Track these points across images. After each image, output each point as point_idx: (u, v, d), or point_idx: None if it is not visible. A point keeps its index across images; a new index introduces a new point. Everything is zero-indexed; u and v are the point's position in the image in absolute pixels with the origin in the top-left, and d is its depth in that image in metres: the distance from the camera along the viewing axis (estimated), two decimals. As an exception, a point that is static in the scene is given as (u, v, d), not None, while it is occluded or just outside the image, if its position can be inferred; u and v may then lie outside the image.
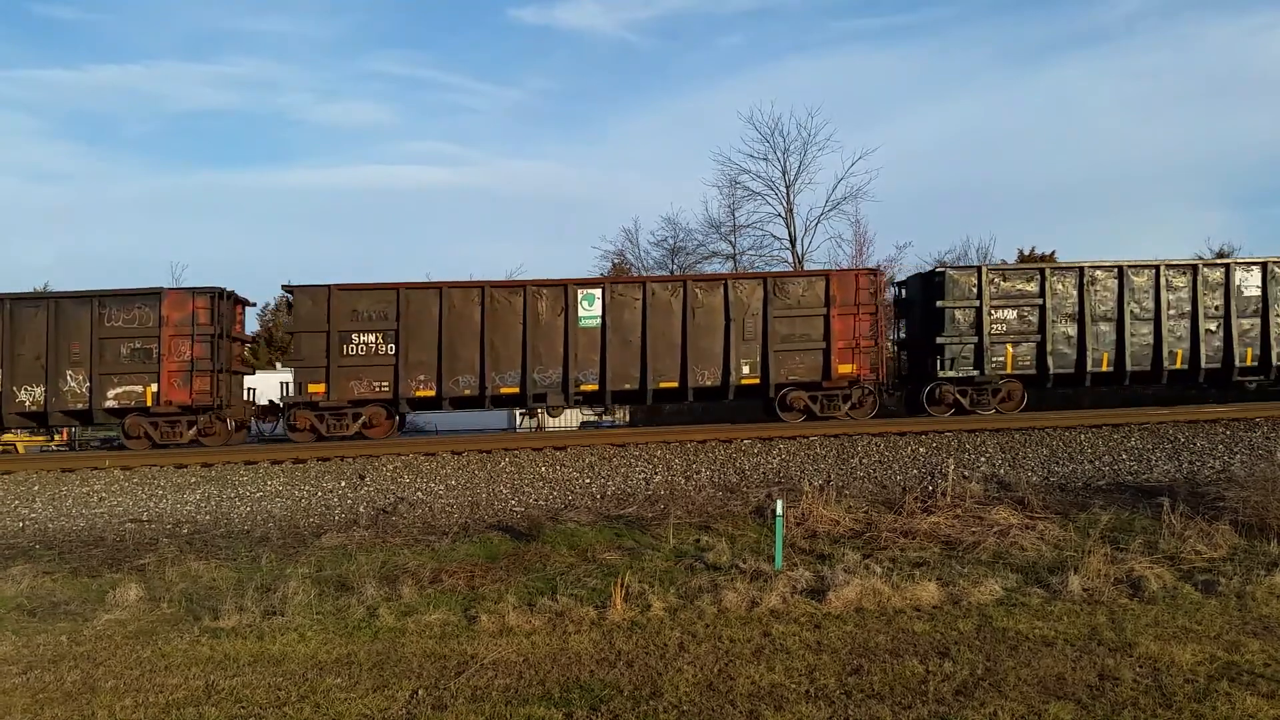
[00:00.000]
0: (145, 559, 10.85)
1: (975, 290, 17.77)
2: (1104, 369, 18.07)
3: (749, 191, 33.51)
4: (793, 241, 33.25)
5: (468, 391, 17.11)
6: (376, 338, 16.89)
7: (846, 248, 34.69)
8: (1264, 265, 18.39)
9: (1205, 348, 18.15)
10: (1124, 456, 14.28)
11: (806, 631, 7.38)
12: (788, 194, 33.35)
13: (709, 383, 17.38)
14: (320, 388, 16.73)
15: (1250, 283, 18.35)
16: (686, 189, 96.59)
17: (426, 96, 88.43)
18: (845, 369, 17.40)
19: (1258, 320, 18.32)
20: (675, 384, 17.35)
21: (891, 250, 36.39)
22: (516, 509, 13.15)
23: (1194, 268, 18.42)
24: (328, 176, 79.97)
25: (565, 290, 17.28)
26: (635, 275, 17.65)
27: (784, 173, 33.35)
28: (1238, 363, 18.19)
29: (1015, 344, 17.90)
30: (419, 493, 13.72)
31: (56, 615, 8.66)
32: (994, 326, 17.81)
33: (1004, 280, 18.03)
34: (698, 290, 17.55)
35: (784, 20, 79.26)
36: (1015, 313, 17.92)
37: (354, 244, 70.80)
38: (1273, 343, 18.25)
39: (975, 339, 17.72)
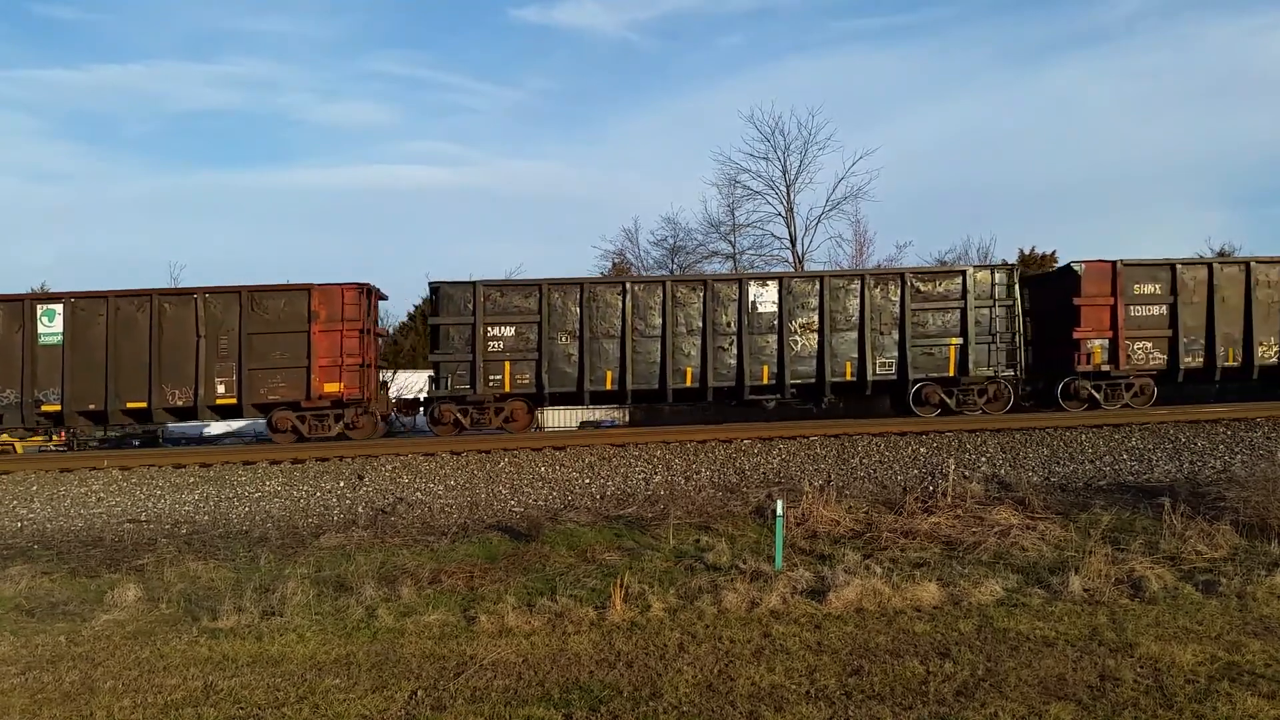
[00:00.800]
0: (143, 559, 10.83)
1: (471, 306, 17.06)
2: (607, 388, 17.37)
3: (749, 191, 33.58)
4: (793, 241, 33.31)
5: None
6: None
7: (847, 247, 34.72)
8: (780, 280, 17.80)
9: (716, 365, 17.43)
10: (1125, 456, 14.26)
11: (807, 632, 7.36)
12: (788, 193, 33.40)
13: (180, 403, 16.85)
14: None
15: (766, 299, 17.53)
16: (686, 189, 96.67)
17: (427, 96, 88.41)
18: (331, 388, 16.86)
19: (774, 337, 17.51)
20: (144, 404, 16.75)
21: (892, 250, 36.32)
22: (516, 509, 13.14)
23: (704, 283, 17.77)
24: (328, 176, 79.89)
25: (24, 306, 16.62)
26: (100, 290, 17.00)
27: (784, 172, 33.41)
28: (749, 381, 17.44)
29: (514, 362, 17.18)
30: (418, 493, 13.70)
31: (55, 615, 8.65)
32: (491, 344, 17.14)
33: (501, 295, 17.29)
34: (167, 306, 16.80)
35: (784, 20, 79.22)
36: (514, 329, 17.21)
37: (354, 244, 70.72)
38: (788, 361, 17.47)
39: (471, 356, 17.02)
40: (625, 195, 69.21)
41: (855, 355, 17.61)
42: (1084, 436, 14.86)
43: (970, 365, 17.57)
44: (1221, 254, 30.52)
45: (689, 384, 17.45)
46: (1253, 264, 18.25)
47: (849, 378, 17.67)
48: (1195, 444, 14.42)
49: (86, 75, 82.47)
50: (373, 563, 10.04)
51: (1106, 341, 17.81)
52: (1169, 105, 76.68)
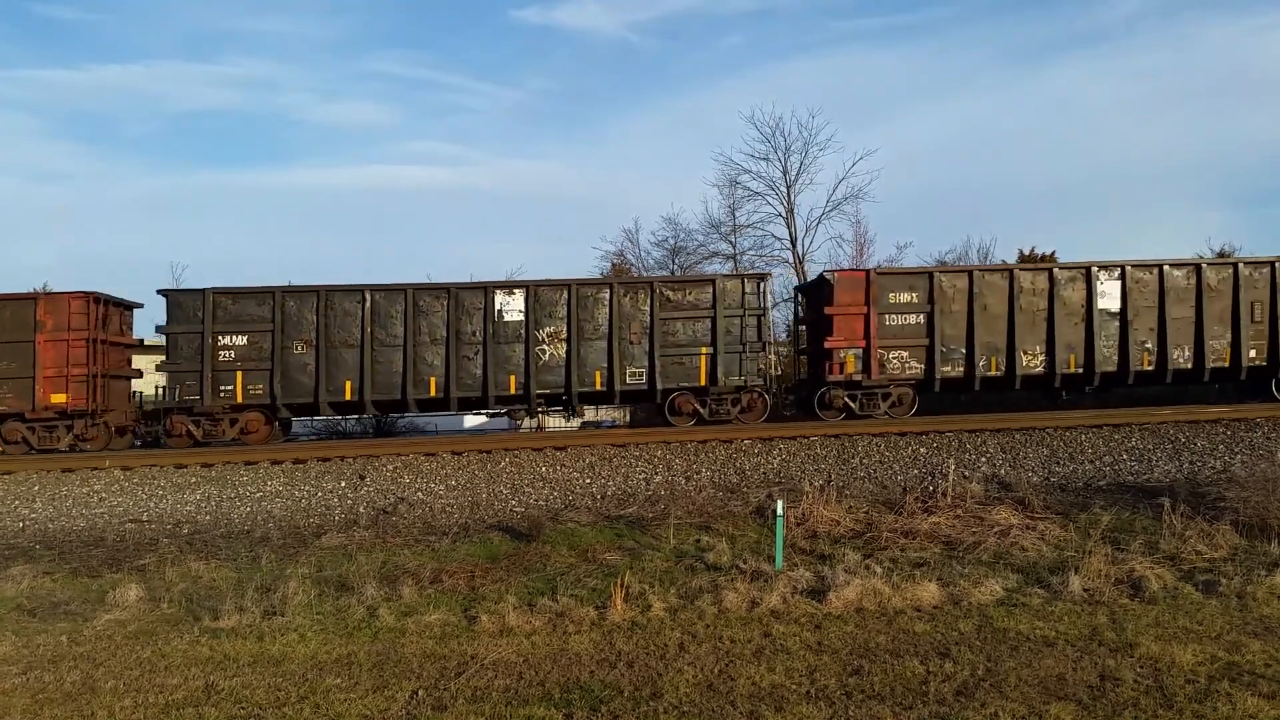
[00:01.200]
0: (145, 559, 10.85)
1: (201, 314, 16.65)
2: (346, 398, 16.99)
3: (750, 192, 33.57)
4: (793, 242, 33.29)
5: None
6: None
7: (847, 248, 34.63)
8: (528, 288, 17.37)
9: (461, 375, 17.13)
10: (1125, 457, 14.27)
11: (807, 632, 7.37)
12: (788, 194, 33.38)
13: None
14: None
15: (513, 307, 17.23)
16: (687, 189, 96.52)
17: (427, 96, 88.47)
18: (57, 399, 16.42)
19: (521, 346, 17.21)
20: None
21: (892, 250, 36.28)
22: (517, 509, 13.15)
23: (448, 291, 17.29)
24: (328, 176, 79.97)
25: None
26: None
27: (785, 173, 33.38)
28: (495, 391, 17.15)
29: (247, 371, 16.72)
30: (419, 493, 13.71)
31: (56, 615, 8.66)
32: (222, 353, 16.71)
33: (233, 303, 16.83)
34: None
35: (784, 20, 79.24)
36: (247, 338, 16.76)
37: (354, 244, 70.77)
38: (535, 370, 17.23)
39: (200, 366, 16.60)
40: (625, 195, 69.24)
41: (605, 365, 17.36)
42: (1084, 436, 14.87)
43: (720, 375, 17.36)
44: (1221, 254, 30.32)
45: (432, 394, 17.16)
46: (1016, 271, 18.17)
47: (599, 387, 17.42)
48: (1195, 444, 14.43)
49: (86, 75, 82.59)
50: (374, 562, 10.05)
51: (859, 351, 17.54)
52: (1169, 105, 76.74)
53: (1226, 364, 18.22)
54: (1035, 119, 72.18)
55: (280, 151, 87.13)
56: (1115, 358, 18.11)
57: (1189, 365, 18.19)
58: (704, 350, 17.45)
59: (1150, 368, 18.16)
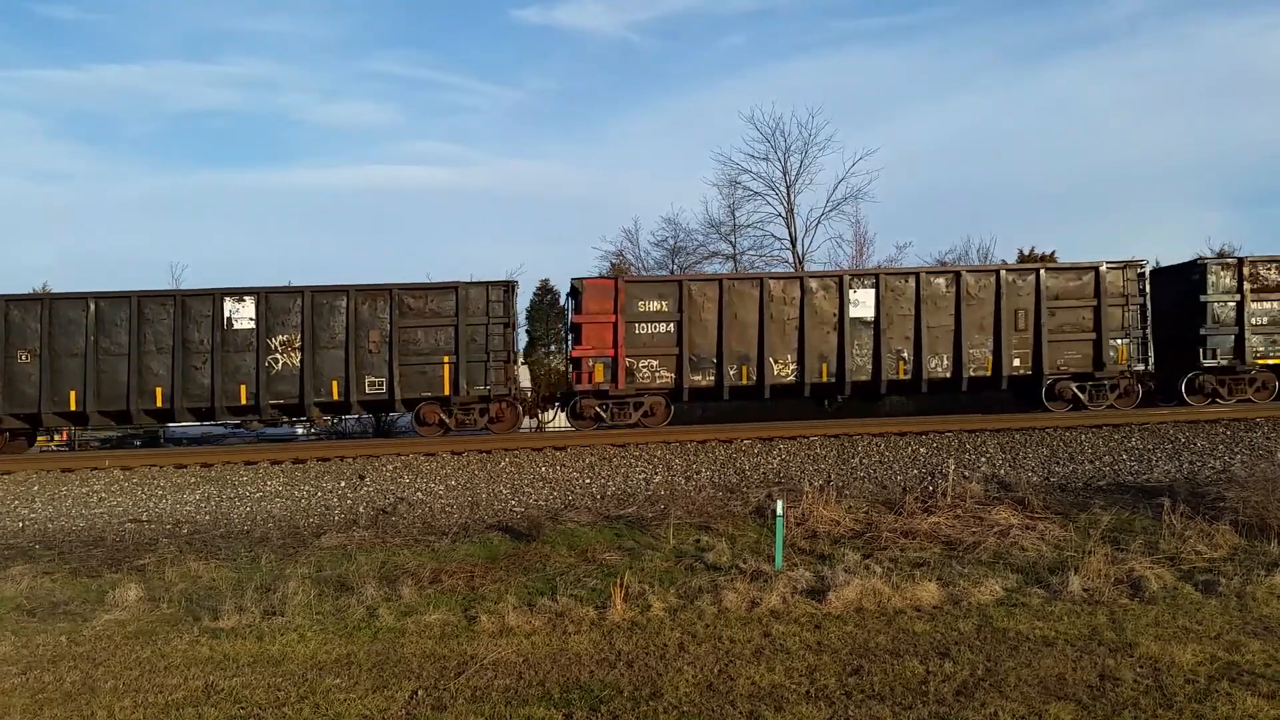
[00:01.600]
0: (145, 559, 10.84)
1: None
2: (70, 409, 16.66)
3: (749, 191, 33.68)
4: (793, 242, 33.37)
5: None
6: None
7: (847, 248, 34.75)
8: (258, 295, 16.86)
9: (188, 385, 16.75)
10: (1124, 457, 14.27)
11: (807, 632, 7.37)
12: (788, 194, 33.49)
13: None
14: None
15: (243, 315, 16.84)
16: (687, 189, 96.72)
17: (427, 96, 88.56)
18: None
19: (252, 356, 16.87)
20: None
21: (892, 250, 36.35)
22: (516, 509, 13.15)
23: (174, 298, 16.95)
24: (328, 176, 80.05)
25: None
26: None
27: (785, 173, 33.51)
28: (224, 401, 16.82)
29: None
30: (419, 493, 13.72)
31: (56, 615, 8.66)
32: None
33: None
34: None
35: (784, 20, 79.34)
36: None
37: (354, 244, 70.87)
38: (267, 380, 16.81)
39: None
40: (625, 195, 69.36)
41: (342, 374, 17.00)
42: (1084, 436, 14.87)
43: (464, 384, 17.12)
44: (1221, 254, 30.31)
45: (159, 405, 16.82)
46: (767, 280, 17.95)
47: (336, 398, 17.05)
48: (1195, 444, 14.43)
49: (86, 75, 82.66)
50: (374, 562, 10.05)
51: (609, 360, 17.39)
52: (1169, 105, 76.83)
53: (988, 373, 17.91)
54: (1035, 119, 72.36)
55: (280, 151, 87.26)
56: (869, 367, 17.88)
57: (947, 374, 17.92)
58: (447, 359, 17.17)
59: (906, 377, 17.89)
